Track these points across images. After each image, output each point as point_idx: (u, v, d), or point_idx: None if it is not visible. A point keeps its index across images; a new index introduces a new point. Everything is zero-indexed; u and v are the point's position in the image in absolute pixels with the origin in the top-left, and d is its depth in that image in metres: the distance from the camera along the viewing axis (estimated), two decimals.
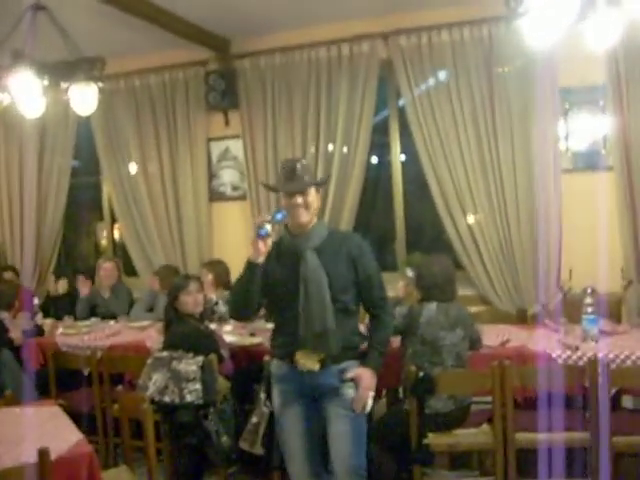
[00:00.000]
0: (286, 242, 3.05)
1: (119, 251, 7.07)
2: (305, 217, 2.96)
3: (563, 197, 5.29)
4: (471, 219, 5.48)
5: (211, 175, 6.28)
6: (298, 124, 5.82)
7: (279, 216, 2.90)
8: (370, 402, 3.00)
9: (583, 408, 3.60)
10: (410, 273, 4.70)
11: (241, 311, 3.13)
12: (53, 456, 2.48)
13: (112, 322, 5.45)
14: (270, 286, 3.01)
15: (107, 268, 5.91)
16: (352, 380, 2.97)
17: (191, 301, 4.02)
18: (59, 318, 5.54)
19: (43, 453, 2.44)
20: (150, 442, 3.00)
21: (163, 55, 6.14)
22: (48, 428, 2.92)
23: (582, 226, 5.14)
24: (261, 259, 2.91)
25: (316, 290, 2.92)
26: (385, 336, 3.12)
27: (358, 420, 3.00)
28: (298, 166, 2.99)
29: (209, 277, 5.24)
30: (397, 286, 4.55)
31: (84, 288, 5.85)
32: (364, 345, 3.11)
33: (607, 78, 5.08)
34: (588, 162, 5.31)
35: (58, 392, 4.47)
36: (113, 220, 6.93)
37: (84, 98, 4.17)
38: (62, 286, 6.16)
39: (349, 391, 2.97)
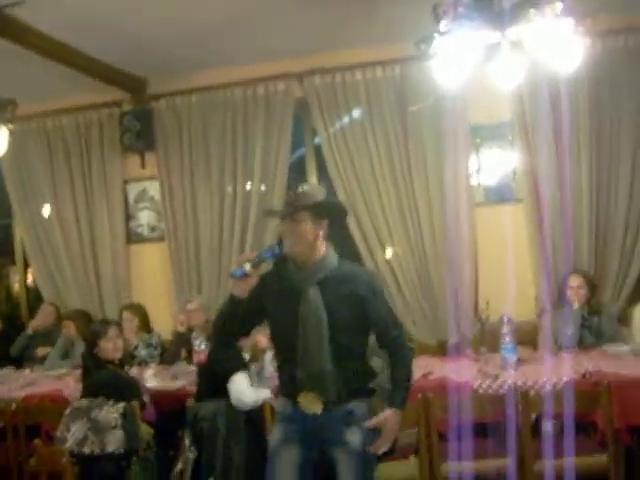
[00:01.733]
0: (289, 274, 2.84)
1: (33, 296, 6.85)
2: (297, 246, 2.76)
3: (477, 229, 5.47)
4: (389, 253, 5.58)
5: (128, 216, 6.19)
6: (215, 164, 5.82)
7: (267, 255, 2.71)
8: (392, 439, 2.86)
9: (503, 435, 3.67)
10: None
11: (224, 344, 3.08)
12: None
13: (27, 371, 5.25)
14: (271, 321, 2.91)
15: (46, 310, 5.96)
16: (354, 424, 2.79)
17: (111, 347, 3.92)
18: None
19: None
20: None
21: (77, 96, 6.04)
22: None
23: (496, 257, 5.29)
24: (244, 294, 2.71)
25: (314, 330, 2.76)
26: (406, 372, 2.88)
27: (366, 467, 2.83)
28: (295, 192, 2.82)
29: (134, 321, 5.16)
30: None
31: (32, 324, 5.77)
32: (376, 382, 2.95)
33: (513, 115, 5.32)
34: (499, 195, 5.50)
35: None
36: (26, 264, 6.71)
37: None
38: None
39: (354, 437, 2.78)
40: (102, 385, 3.82)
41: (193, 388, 4.16)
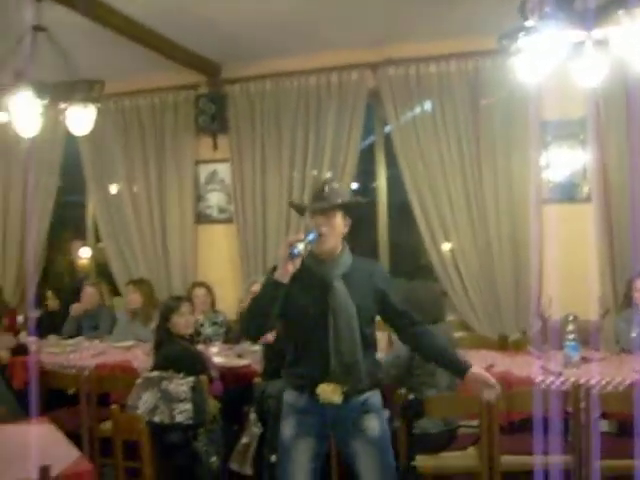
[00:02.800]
0: (311, 268, 2.85)
1: (102, 271, 7.08)
2: (330, 242, 2.83)
3: (543, 226, 5.44)
4: (454, 246, 5.59)
5: (198, 197, 6.34)
6: (286, 149, 5.92)
7: (311, 236, 2.74)
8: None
9: (565, 432, 3.69)
10: None
11: (256, 330, 2.93)
12: (54, 473, 2.50)
13: (97, 342, 5.46)
14: (293, 314, 2.86)
15: (86, 293, 5.93)
16: (372, 411, 2.86)
17: (183, 322, 4.07)
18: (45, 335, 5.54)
19: (44, 470, 2.46)
20: (147, 462, 3.03)
21: (154, 78, 6.22)
22: (44, 445, 2.93)
23: (561, 255, 5.25)
24: (287, 279, 2.70)
25: (346, 322, 2.81)
26: (443, 344, 3.05)
27: (385, 453, 2.88)
28: (326, 187, 2.90)
29: (208, 297, 5.35)
30: None
31: (75, 308, 5.88)
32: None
33: (587, 113, 5.27)
34: (567, 193, 5.46)
35: (41, 412, 4.46)
36: (97, 240, 6.94)
37: (81, 119, 4.22)
38: (53, 303, 6.18)
39: (372, 424, 2.85)
40: (173, 359, 3.97)
41: (258, 367, 4.29)
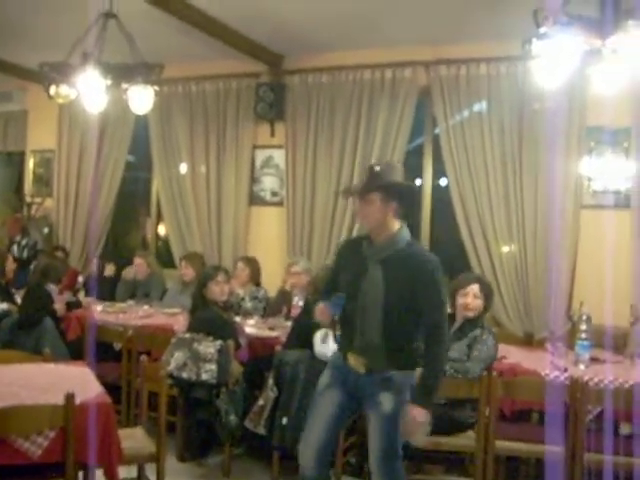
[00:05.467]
0: (362, 249, 3.09)
1: (162, 244, 7.54)
2: (369, 224, 3.04)
3: (580, 232, 5.54)
4: (491, 246, 5.74)
5: (253, 180, 6.70)
6: (337, 140, 6.21)
7: (335, 308, 3.09)
8: (422, 433, 3.01)
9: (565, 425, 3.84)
10: None
11: None
12: (77, 401, 2.88)
13: (146, 306, 5.88)
14: (341, 287, 3.13)
15: (135, 263, 6.39)
16: (390, 390, 3.01)
17: (218, 290, 4.42)
18: (101, 297, 6.01)
19: (69, 397, 2.85)
20: (161, 410, 3.38)
21: (220, 65, 6.62)
22: (76, 381, 3.32)
23: (596, 261, 5.35)
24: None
25: (372, 305, 2.98)
26: (433, 371, 3.00)
27: (390, 429, 3.02)
28: (370, 171, 3.04)
29: (246, 271, 5.65)
30: None
31: (125, 272, 6.33)
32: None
33: (633, 121, 5.33)
34: (607, 200, 5.53)
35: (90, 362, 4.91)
36: (159, 214, 7.39)
37: (141, 99, 4.62)
38: (109, 270, 6.64)
39: (386, 400, 3.01)
40: (204, 322, 4.33)
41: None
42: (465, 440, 3.87)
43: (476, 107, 5.81)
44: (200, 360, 4.14)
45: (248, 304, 5.66)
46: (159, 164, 7.05)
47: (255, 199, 6.72)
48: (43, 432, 2.87)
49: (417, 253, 3.05)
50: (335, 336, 3.42)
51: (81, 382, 3.31)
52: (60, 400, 2.87)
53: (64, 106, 7.48)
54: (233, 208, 6.66)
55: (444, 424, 3.84)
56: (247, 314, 5.52)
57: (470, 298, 4.13)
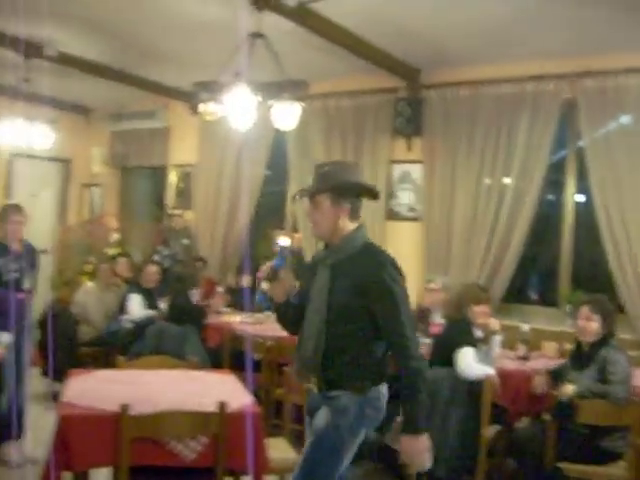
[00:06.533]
0: (316, 255, 2.94)
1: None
2: (317, 228, 2.76)
3: None
4: (638, 262, 5.44)
5: (390, 195, 6.70)
6: (476, 154, 6.10)
7: (278, 263, 3.07)
8: (425, 461, 2.67)
9: None
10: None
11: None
12: (229, 410, 2.96)
13: None
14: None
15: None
16: (330, 407, 2.68)
17: None
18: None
19: (222, 405, 2.93)
20: None
21: (358, 80, 6.69)
22: (224, 388, 3.43)
23: None
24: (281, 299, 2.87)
25: (314, 312, 2.71)
26: (409, 393, 2.61)
27: (315, 447, 2.72)
28: (318, 170, 2.77)
29: None
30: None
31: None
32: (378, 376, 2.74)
33: None
34: None
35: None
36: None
37: (286, 115, 4.72)
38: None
39: (320, 417, 2.71)
40: None
41: (426, 357, 4.55)
42: (616, 470, 3.67)
43: (624, 120, 5.54)
44: None
45: None
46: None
47: (391, 214, 6.71)
48: (196, 437, 2.97)
49: (374, 257, 2.69)
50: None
51: (230, 390, 3.41)
52: (212, 407, 2.96)
53: (204, 122, 7.81)
54: (369, 223, 6.64)
55: (589, 453, 3.69)
56: None
57: (582, 321, 3.97)
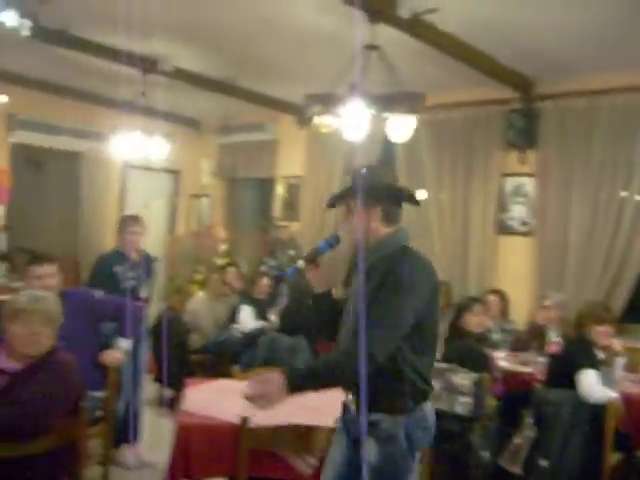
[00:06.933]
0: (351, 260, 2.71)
1: None
2: (348, 235, 2.58)
3: None
4: None
5: (501, 209, 6.53)
6: (594, 168, 5.86)
7: (322, 247, 2.60)
8: (264, 406, 2.28)
9: None
10: None
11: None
12: None
13: None
14: None
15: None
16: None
17: (475, 321, 4.35)
18: None
19: None
20: None
21: (468, 92, 6.57)
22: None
23: None
24: (321, 289, 2.68)
25: (345, 323, 2.54)
26: (327, 367, 2.34)
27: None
28: (350, 177, 2.69)
29: (497, 303, 5.57)
30: None
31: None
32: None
33: None
34: None
35: None
36: None
37: (401, 128, 4.67)
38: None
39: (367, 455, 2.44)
40: (459, 353, 4.25)
41: (541, 376, 4.39)
42: None
43: None
44: (455, 392, 4.07)
45: (496, 336, 5.51)
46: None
47: (503, 228, 6.54)
48: (314, 452, 2.95)
49: (400, 258, 2.42)
50: None
51: None
52: (330, 421, 2.93)
53: (311, 135, 7.90)
54: (480, 237, 6.54)
55: None
56: (494, 346, 5.37)
57: None
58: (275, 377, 2.23)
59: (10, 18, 2.87)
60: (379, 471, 2.40)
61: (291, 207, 8.51)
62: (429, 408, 2.54)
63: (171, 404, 5.65)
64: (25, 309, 3.00)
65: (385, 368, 2.33)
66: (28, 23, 2.95)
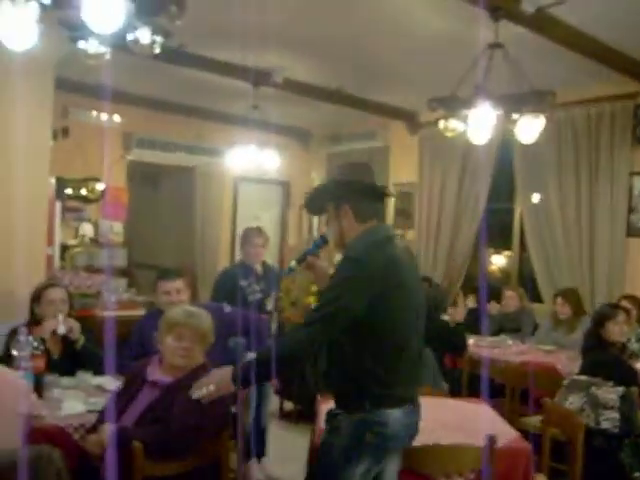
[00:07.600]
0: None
1: (524, 277, 7.31)
2: (330, 239, 2.63)
3: None
4: None
5: (631, 210, 6.16)
6: None
7: (311, 248, 2.73)
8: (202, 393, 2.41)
9: None
10: None
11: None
12: (498, 445, 2.77)
13: (518, 341, 5.70)
14: None
15: (508, 296, 6.22)
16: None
17: (617, 330, 4.08)
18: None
19: (492, 440, 2.74)
20: (576, 461, 3.12)
21: (590, 88, 6.24)
22: (484, 421, 3.24)
23: None
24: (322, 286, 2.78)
25: None
26: (279, 346, 2.32)
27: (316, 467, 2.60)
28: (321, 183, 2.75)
29: (635, 311, 5.32)
30: None
31: (492, 307, 6.23)
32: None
33: None
34: None
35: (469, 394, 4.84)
36: (522, 246, 7.17)
37: (530, 128, 4.45)
38: (471, 301, 6.61)
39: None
40: (603, 365, 3.99)
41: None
42: None
43: None
44: (599, 406, 3.82)
45: (634, 345, 5.18)
46: (523, 193, 6.86)
47: (633, 230, 6.16)
48: (464, 474, 2.80)
49: (364, 254, 2.43)
50: None
51: (490, 422, 3.21)
52: (474, 440, 2.78)
53: (424, 140, 7.75)
54: (608, 240, 6.19)
55: None
56: (633, 356, 5.04)
57: None
58: (221, 371, 2.41)
59: (144, 36, 2.88)
60: (318, 458, 2.55)
61: (405, 214, 8.35)
62: (398, 417, 2.44)
63: (290, 416, 5.65)
64: (179, 322, 3.05)
65: (341, 369, 2.45)
66: (160, 40, 2.95)
